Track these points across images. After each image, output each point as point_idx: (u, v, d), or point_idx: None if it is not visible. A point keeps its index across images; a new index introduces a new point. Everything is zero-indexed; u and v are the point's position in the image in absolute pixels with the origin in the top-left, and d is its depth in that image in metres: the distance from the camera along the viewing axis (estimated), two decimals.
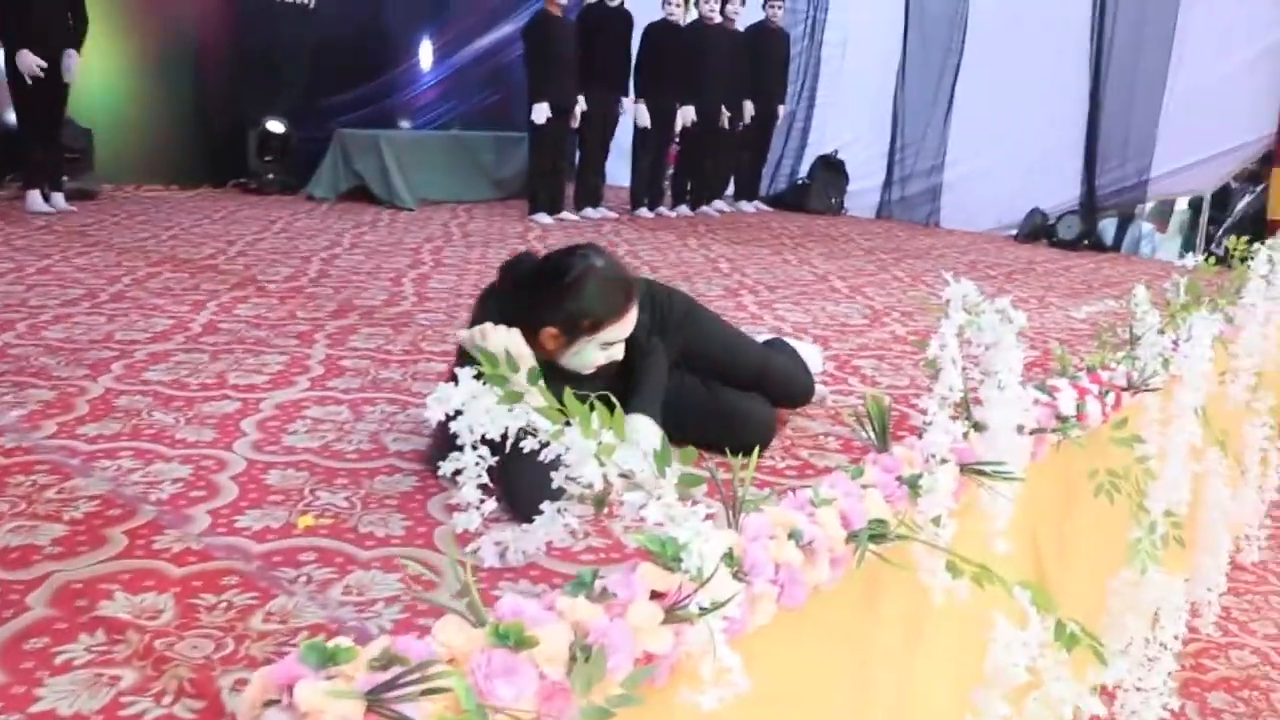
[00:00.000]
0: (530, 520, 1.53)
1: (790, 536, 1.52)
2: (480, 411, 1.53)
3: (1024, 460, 2.17)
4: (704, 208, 7.30)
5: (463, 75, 8.39)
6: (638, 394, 2.01)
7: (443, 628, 1.15)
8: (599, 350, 1.90)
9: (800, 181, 7.79)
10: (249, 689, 1.02)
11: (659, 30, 6.71)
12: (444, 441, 1.68)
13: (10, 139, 5.49)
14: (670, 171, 7.38)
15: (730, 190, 7.77)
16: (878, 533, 1.65)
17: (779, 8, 7.28)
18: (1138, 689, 2.40)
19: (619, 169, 7.13)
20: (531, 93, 6.04)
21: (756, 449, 1.58)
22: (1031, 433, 2.24)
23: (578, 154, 6.79)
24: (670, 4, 6.63)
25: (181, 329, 2.85)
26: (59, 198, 5.30)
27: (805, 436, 2.27)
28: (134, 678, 1.17)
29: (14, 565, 1.43)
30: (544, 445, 1.49)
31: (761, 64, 7.29)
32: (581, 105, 6.26)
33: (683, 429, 2.17)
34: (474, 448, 1.55)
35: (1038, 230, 6.75)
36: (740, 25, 7.17)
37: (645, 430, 1.96)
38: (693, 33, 6.82)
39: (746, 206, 7.67)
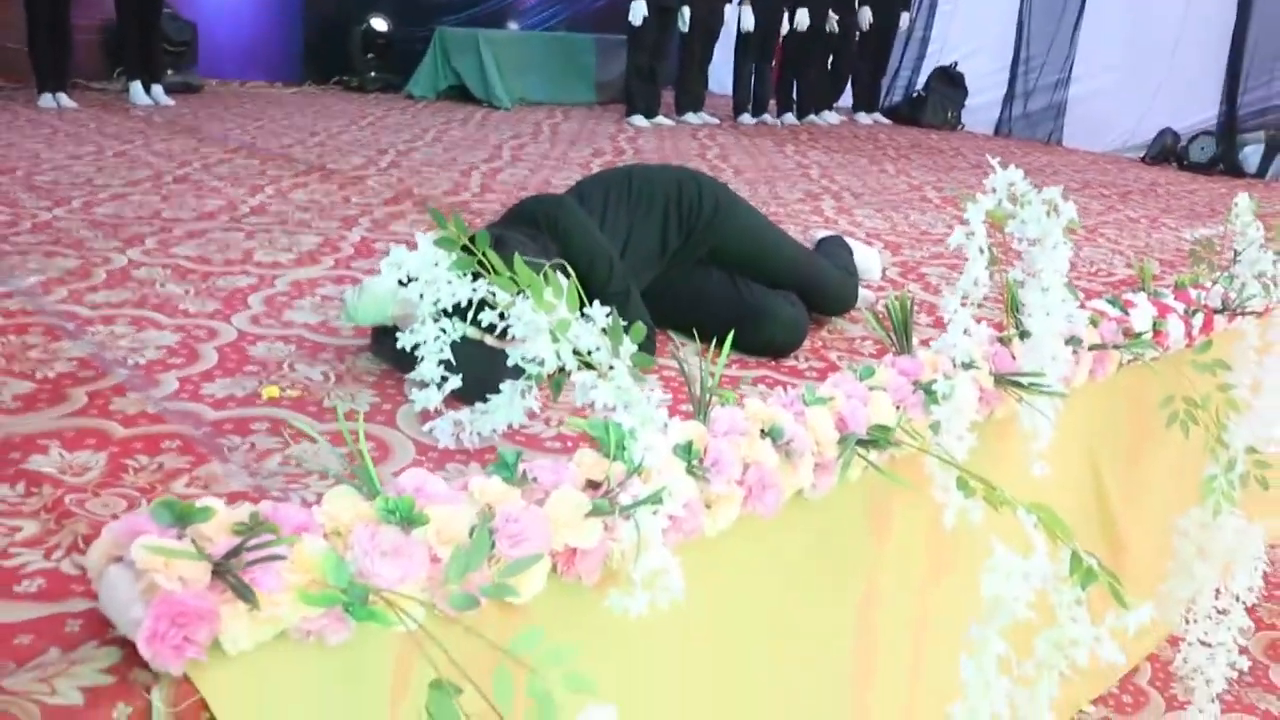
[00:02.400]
0: (476, 402, 1.44)
1: (767, 435, 1.39)
2: (440, 279, 1.44)
3: (1074, 375, 1.97)
4: (812, 117, 6.99)
5: None
6: None
7: (330, 498, 1.06)
8: None
9: (916, 94, 7.38)
10: (97, 543, 0.96)
11: None
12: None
13: (117, 35, 5.59)
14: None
15: (850, 102, 7.44)
16: (877, 439, 1.51)
17: None
18: (1203, 643, 2.20)
19: (729, 75, 6.88)
20: None
21: (730, 336, 1.45)
22: (1092, 348, 2.04)
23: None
24: None
25: (230, 210, 2.84)
26: (159, 90, 5.39)
27: (841, 339, 2.11)
28: (34, 529, 1.13)
29: None
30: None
31: None
32: (687, 11, 6.05)
33: (700, 327, 2.03)
34: (435, 319, 1.47)
35: (1167, 152, 6.23)
36: None
37: None
38: None
39: (864, 118, 7.32)
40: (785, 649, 1.55)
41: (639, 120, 6.08)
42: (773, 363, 1.93)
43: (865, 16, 6.90)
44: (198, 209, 2.81)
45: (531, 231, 1.75)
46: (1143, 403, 2.27)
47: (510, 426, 1.46)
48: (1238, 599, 2.23)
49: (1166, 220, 4.08)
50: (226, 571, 0.92)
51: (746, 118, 6.70)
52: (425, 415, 1.48)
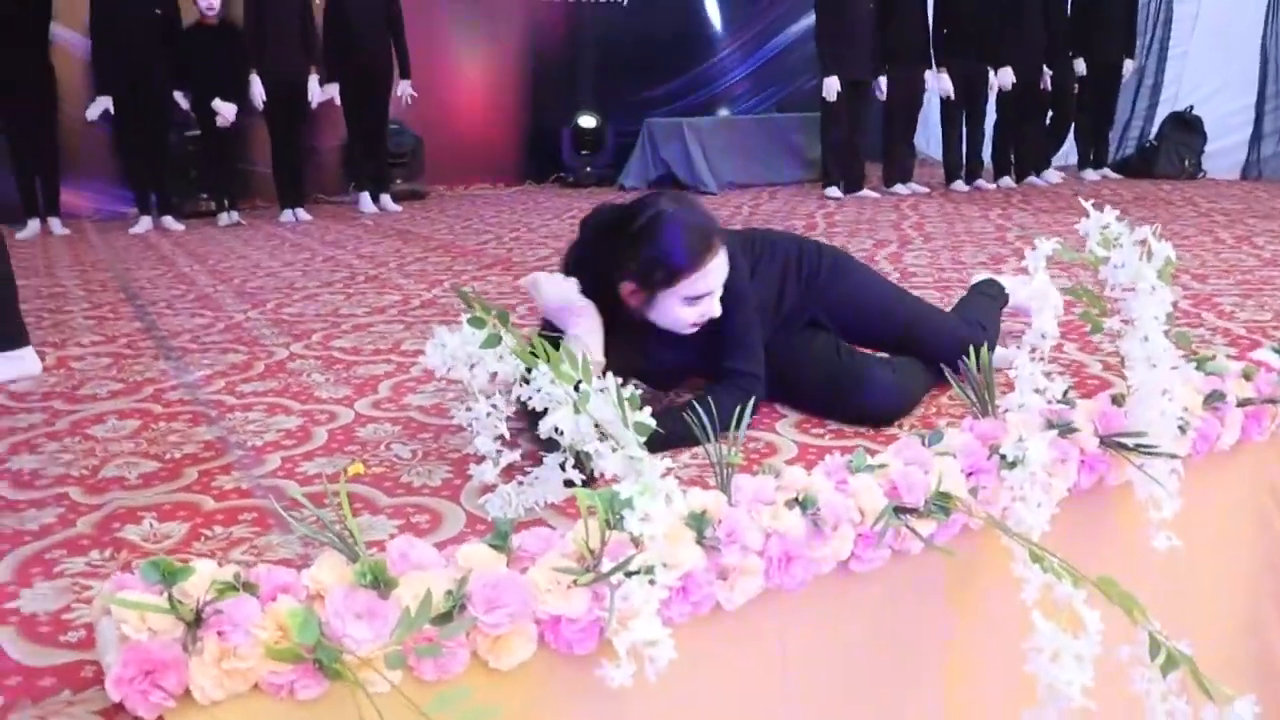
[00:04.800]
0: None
1: (799, 505, 1.34)
2: (494, 359, 1.51)
3: (1219, 435, 1.77)
4: (1032, 178, 6.70)
5: (781, 60, 8.36)
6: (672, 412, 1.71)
7: (320, 562, 1.13)
8: (685, 306, 1.76)
9: (1148, 145, 6.92)
10: (97, 598, 1.07)
11: None
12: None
13: (348, 152, 6.23)
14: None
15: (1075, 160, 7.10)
16: (931, 509, 1.42)
17: None
18: None
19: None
20: (822, 67, 5.88)
21: (749, 403, 1.41)
22: (1241, 404, 1.83)
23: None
24: None
25: (402, 304, 3.07)
26: (387, 199, 5.92)
27: (959, 405, 2.00)
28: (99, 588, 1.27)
29: (93, 491, 1.60)
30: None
31: (1098, 14, 6.55)
32: (882, 84, 6.03)
33: (797, 390, 1.98)
34: (487, 397, 1.54)
35: None
36: None
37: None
38: None
39: (1091, 175, 6.96)
40: None
41: (833, 192, 6.07)
42: (870, 431, 1.86)
43: (1079, 67, 6.57)
44: (373, 305, 3.06)
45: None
46: None
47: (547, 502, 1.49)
48: None
49: None
50: (201, 626, 1.01)
51: (959, 184, 6.51)
52: (486, 488, 1.53)
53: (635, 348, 1.80)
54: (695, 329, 1.79)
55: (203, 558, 1.34)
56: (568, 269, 1.85)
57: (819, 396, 1.94)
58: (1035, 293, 2.39)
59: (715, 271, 1.74)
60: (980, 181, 6.59)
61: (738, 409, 1.37)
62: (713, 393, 1.78)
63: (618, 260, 1.75)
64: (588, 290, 1.75)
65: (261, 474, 1.67)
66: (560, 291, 1.71)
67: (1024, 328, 2.30)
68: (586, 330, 1.72)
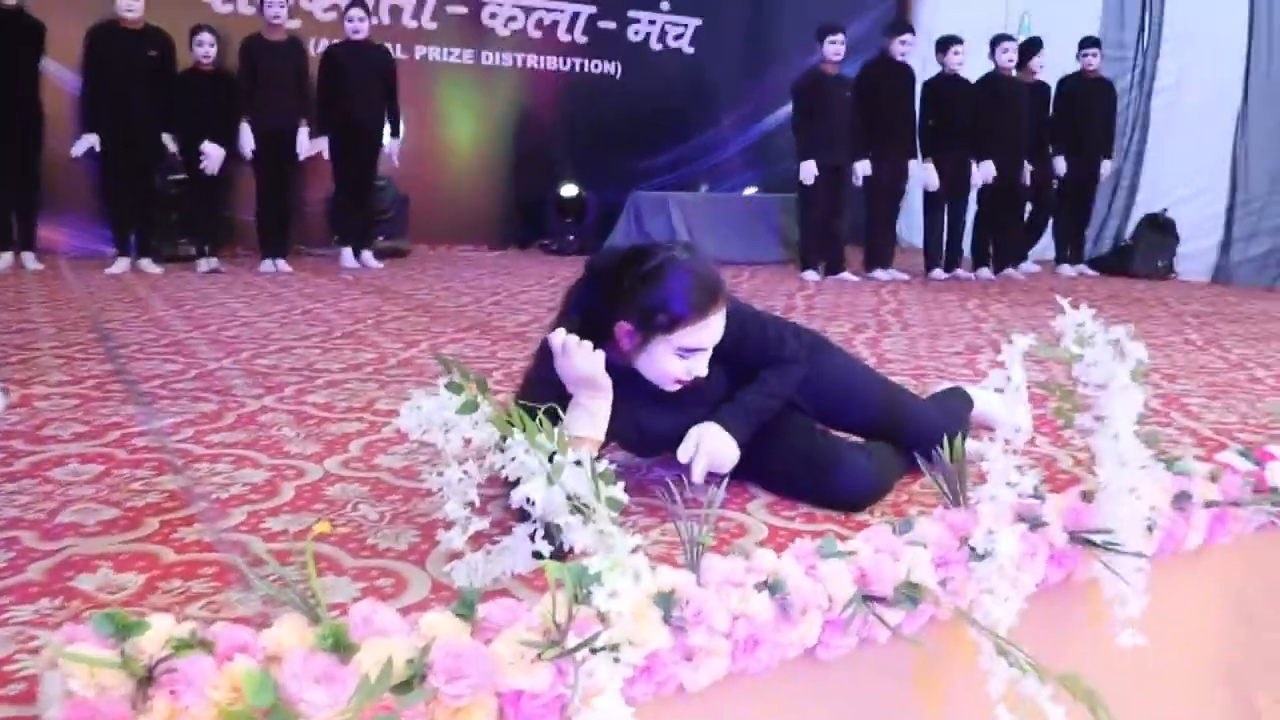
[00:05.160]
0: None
1: (768, 589, 1.33)
2: (469, 425, 1.50)
3: (1184, 536, 1.78)
4: (1009, 270, 6.80)
5: (768, 141, 8.49)
6: (738, 398, 1.88)
7: (281, 622, 1.11)
8: (675, 358, 1.74)
9: (1123, 243, 7.07)
10: (45, 650, 1.04)
11: (941, 85, 6.40)
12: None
13: (334, 205, 6.26)
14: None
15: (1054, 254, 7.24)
16: (909, 597, 1.42)
17: (1094, 55, 6.70)
18: None
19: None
20: (799, 151, 5.99)
21: (727, 477, 1.41)
22: (1209, 505, 1.84)
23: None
24: (951, 55, 6.30)
25: (378, 362, 3.05)
26: (368, 255, 5.93)
27: (931, 492, 2.00)
28: (47, 639, 1.23)
29: (49, 536, 1.57)
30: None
31: (1080, 117, 6.74)
32: (865, 169, 6.13)
33: (770, 469, 1.97)
34: (460, 462, 1.52)
35: None
36: (1051, 76, 6.69)
37: (714, 441, 1.81)
38: (985, 88, 6.44)
39: (1067, 270, 7.08)
40: None
41: (811, 275, 6.16)
42: (841, 516, 1.85)
43: (1059, 166, 6.74)
44: (348, 361, 3.04)
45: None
46: None
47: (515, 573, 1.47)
48: None
49: None
50: (151, 684, 0.98)
51: (938, 273, 6.60)
52: (453, 555, 1.51)
53: (623, 415, 1.79)
54: (678, 386, 1.78)
55: (159, 612, 1.33)
56: (566, 307, 1.83)
57: (792, 478, 1.94)
58: (1004, 398, 2.43)
59: (714, 327, 1.74)
60: (959, 271, 6.68)
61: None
62: (765, 376, 1.91)
63: (620, 300, 1.73)
64: (578, 333, 1.73)
65: (225, 528, 1.64)
66: (591, 364, 1.68)
67: (993, 426, 2.33)
68: (599, 409, 1.71)
